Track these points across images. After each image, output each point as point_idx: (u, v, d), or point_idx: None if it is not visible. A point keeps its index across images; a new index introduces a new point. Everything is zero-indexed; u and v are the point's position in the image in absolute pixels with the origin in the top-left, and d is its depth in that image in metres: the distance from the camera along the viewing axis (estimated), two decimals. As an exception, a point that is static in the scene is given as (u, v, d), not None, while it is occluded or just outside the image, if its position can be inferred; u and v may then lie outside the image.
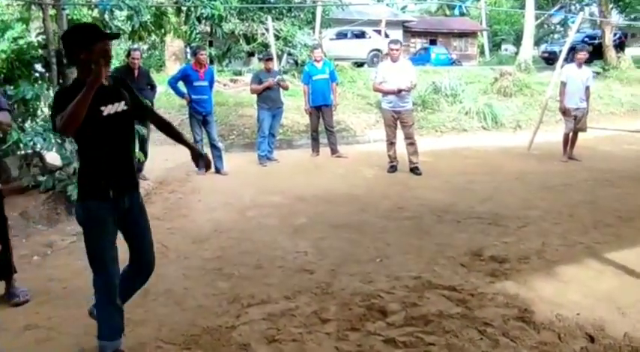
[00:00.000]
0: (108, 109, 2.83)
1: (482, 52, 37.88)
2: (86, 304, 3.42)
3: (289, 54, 19.00)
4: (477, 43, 37.48)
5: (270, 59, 9.47)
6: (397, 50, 8.03)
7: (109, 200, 2.91)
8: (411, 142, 8.08)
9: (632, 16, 26.68)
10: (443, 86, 13.38)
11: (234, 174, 8.19)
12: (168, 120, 3.33)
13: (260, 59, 9.62)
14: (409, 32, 34.42)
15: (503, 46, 44.35)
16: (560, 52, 11.18)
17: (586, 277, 4.27)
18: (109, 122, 2.84)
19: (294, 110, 11.58)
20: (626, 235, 5.27)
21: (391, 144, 8.21)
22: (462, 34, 36.50)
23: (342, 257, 4.73)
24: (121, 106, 2.90)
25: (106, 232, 2.96)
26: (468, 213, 6.00)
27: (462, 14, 43.09)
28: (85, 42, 2.70)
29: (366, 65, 21.84)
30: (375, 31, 24.09)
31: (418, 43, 34.63)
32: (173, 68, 14.66)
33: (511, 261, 4.59)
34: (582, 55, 8.99)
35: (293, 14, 17.80)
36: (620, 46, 23.52)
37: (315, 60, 9.49)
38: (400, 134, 8.19)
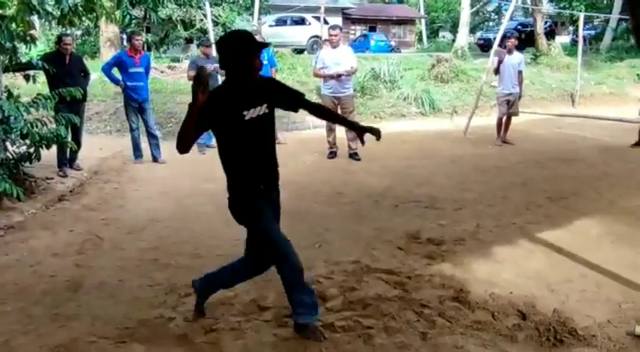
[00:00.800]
0: (250, 113, 2.94)
1: (420, 39, 38.42)
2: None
3: (228, 40, 18.70)
4: (415, 30, 37.98)
5: (209, 45, 9.27)
6: (336, 36, 8.01)
7: (261, 192, 3.12)
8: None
9: (562, 5, 27.66)
10: (382, 72, 13.48)
11: (172, 162, 7.99)
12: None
13: (199, 45, 9.41)
14: (349, 19, 34.52)
15: (440, 34, 45.12)
16: (495, 39, 11.46)
17: (518, 256, 4.43)
18: (250, 125, 2.96)
19: (234, 97, 11.40)
20: (555, 215, 5.48)
21: (331, 130, 8.22)
22: (401, 22, 36.89)
23: (282, 244, 4.70)
24: (262, 109, 2.99)
25: (270, 217, 3.18)
26: (405, 196, 6.09)
27: (400, 1, 43.56)
28: (244, 51, 2.88)
29: (305, 52, 21.78)
30: (314, 17, 24.01)
31: (358, 30, 34.82)
32: (108, 55, 14.12)
33: (447, 242, 4.69)
34: (512, 42, 9.28)
35: (231, 0, 17.51)
36: (550, 34, 24.38)
37: (254, 47, 9.32)
38: None
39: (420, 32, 39.25)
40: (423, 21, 40.04)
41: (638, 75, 16.84)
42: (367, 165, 7.73)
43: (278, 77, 11.21)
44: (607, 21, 24.83)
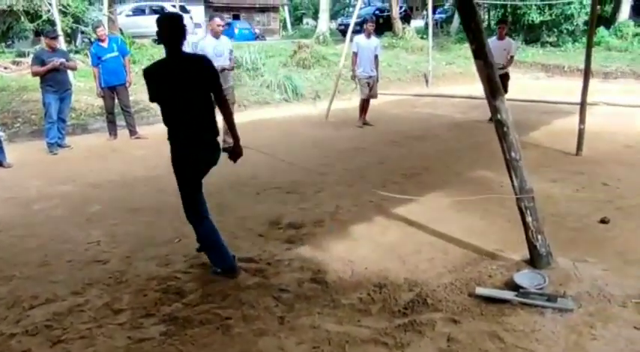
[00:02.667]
0: None
1: (285, 27, 38.68)
2: None
3: (82, 32, 17.66)
4: (279, 17, 38.14)
5: (54, 37, 8.59)
6: (223, 26, 7.65)
7: None
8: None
9: (415, -10, 29.06)
10: (244, 60, 13.37)
11: (19, 165, 7.38)
12: None
13: (44, 36, 8.65)
14: (211, 7, 33.88)
15: (304, 20, 45.71)
16: (355, 24, 11.74)
17: (374, 233, 4.60)
18: None
19: (88, 91, 10.75)
20: (409, 190, 5.75)
21: None
22: (264, 9, 36.91)
23: (138, 242, 4.53)
24: None
25: None
26: (267, 184, 6.10)
27: (262, -11, 43.40)
28: None
29: (167, 42, 21.07)
30: (173, 5, 23.25)
31: (221, 19, 34.26)
32: (-62, 51, 12.72)
33: (307, 225, 4.77)
34: (370, 26, 9.58)
35: (81, -12, 16.44)
36: (405, 19, 25.59)
37: (100, 39, 8.77)
38: None
39: (284, 19, 39.48)
40: (286, 8, 40.30)
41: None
42: (231, 155, 7.62)
43: (136, 69, 10.77)
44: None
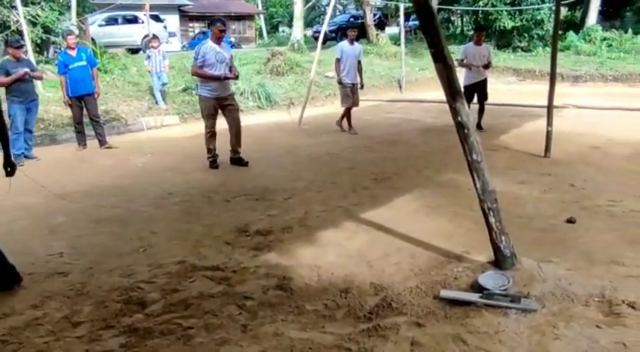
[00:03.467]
0: None
1: (260, 35, 38.65)
2: None
3: (54, 43, 17.46)
4: (254, 25, 38.12)
5: (18, 46, 8.46)
6: (225, 31, 7.21)
7: None
8: (238, 130, 7.43)
9: (387, -3, 29.23)
10: (217, 68, 13.31)
11: (-18, 178, 7.21)
12: None
13: (10, 46, 8.49)
14: (186, 16, 33.80)
15: (280, 28, 45.74)
16: (330, 31, 11.77)
17: (342, 238, 4.57)
18: None
19: (57, 102, 10.59)
20: (379, 195, 5.76)
21: (212, 135, 7.30)
22: (240, 17, 36.81)
23: (102, 253, 4.44)
24: None
25: None
26: (237, 191, 6.05)
27: (237, -3, 43.35)
28: None
29: (141, 51, 20.93)
30: (149, 15, 23.09)
31: (196, 28, 34.17)
32: None
33: (275, 232, 4.72)
34: (353, 33, 9.61)
35: (49, -2, 16.24)
36: (380, 26, 25.72)
37: (69, 47, 8.65)
38: None
39: (260, 27, 39.46)
40: (262, 16, 40.30)
41: (456, 60, 18.41)
42: (201, 163, 7.52)
43: (108, 79, 10.67)
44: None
